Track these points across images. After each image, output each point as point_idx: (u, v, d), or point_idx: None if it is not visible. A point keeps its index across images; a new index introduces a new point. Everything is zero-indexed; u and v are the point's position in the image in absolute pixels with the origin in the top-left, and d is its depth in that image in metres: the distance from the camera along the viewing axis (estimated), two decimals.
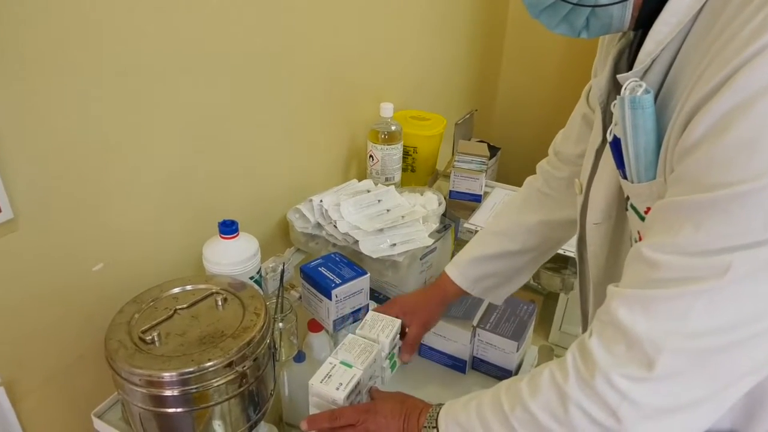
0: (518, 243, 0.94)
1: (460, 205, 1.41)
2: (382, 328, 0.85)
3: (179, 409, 0.72)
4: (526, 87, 2.56)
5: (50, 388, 0.83)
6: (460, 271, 0.96)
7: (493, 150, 2.29)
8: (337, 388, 0.74)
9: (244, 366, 0.73)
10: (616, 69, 0.65)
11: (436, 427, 0.67)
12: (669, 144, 0.53)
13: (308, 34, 1.15)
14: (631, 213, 0.62)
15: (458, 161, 1.40)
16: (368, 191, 1.16)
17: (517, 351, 0.99)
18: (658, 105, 0.55)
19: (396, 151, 1.35)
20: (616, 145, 0.59)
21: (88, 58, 0.75)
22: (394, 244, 1.03)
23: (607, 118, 0.69)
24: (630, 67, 0.60)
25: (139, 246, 0.91)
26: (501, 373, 1.02)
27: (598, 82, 0.68)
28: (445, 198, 1.28)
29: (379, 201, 1.13)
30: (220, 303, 0.80)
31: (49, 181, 0.75)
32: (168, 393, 0.71)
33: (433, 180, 1.53)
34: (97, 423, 0.83)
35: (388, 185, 1.25)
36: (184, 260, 0.98)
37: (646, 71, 0.56)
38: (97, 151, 0.80)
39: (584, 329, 0.88)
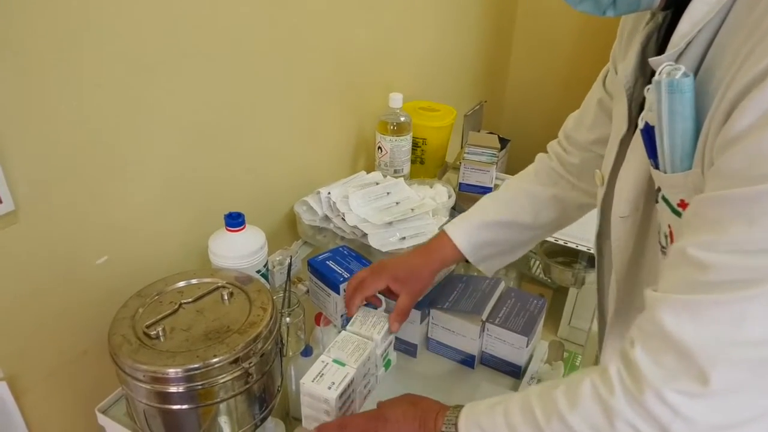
0: (531, 215, 0.90)
1: (470, 198, 1.39)
2: (373, 324, 0.83)
3: (184, 406, 0.71)
4: (536, 78, 2.53)
5: (54, 382, 0.82)
6: (466, 236, 0.90)
7: (503, 142, 2.26)
8: (329, 388, 0.72)
9: (251, 362, 0.72)
10: (644, 53, 0.62)
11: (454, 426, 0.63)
12: (709, 132, 0.50)
13: (316, 24, 1.13)
14: (662, 205, 0.58)
15: (468, 153, 1.37)
16: (377, 183, 1.14)
17: (527, 346, 0.97)
18: (696, 90, 0.52)
19: (405, 143, 1.32)
20: (648, 133, 0.56)
21: (90, 51, 0.73)
22: (404, 238, 1.01)
23: (632, 105, 0.66)
24: (660, 51, 0.57)
25: (143, 239, 0.89)
26: (510, 369, 1.00)
27: (624, 67, 0.65)
28: (454, 190, 1.25)
29: (388, 193, 1.11)
30: (226, 297, 0.78)
31: (51, 172, 0.73)
32: (173, 389, 0.69)
33: (442, 172, 1.51)
34: (101, 418, 0.82)
35: (396, 177, 1.23)
36: (190, 253, 0.97)
37: (680, 55, 0.53)
38: (101, 143, 0.78)
39: (600, 325, 0.86)
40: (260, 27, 1.00)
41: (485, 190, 1.39)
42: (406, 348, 1.04)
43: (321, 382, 0.73)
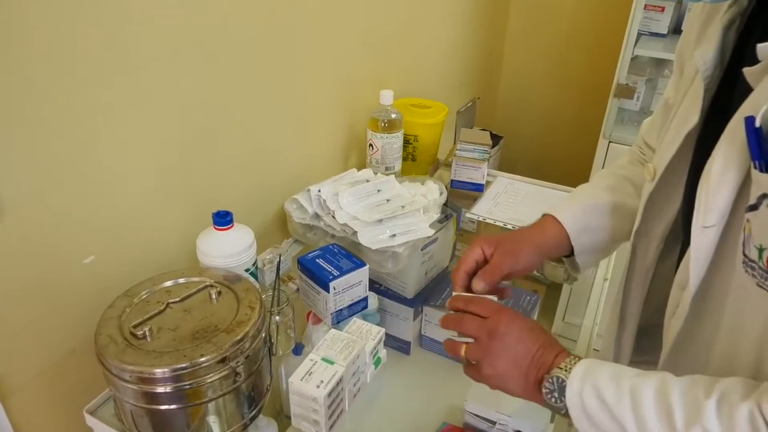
0: (635, 198, 0.81)
1: (462, 195, 1.39)
2: (340, 350, 0.79)
3: (172, 406, 0.70)
4: (529, 75, 2.53)
5: (41, 383, 0.81)
6: (571, 216, 0.81)
7: (496, 138, 2.26)
8: (318, 386, 0.72)
9: (238, 361, 0.71)
10: (724, 40, 0.59)
11: (562, 390, 0.59)
12: None
13: (307, 21, 1.12)
14: (764, 215, 0.51)
15: (460, 150, 1.37)
16: (367, 181, 1.14)
17: None
18: None
19: (396, 140, 1.32)
20: (756, 132, 0.50)
21: (77, 46, 0.72)
22: (394, 235, 1.00)
23: (706, 96, 0.62)
24: (744, 37, 0.53)
25: (131, 238, 0.88)
26: None
27: (703, 53, 0.60)
28: (446, 187, 1.25)
29: (378, 191, 1.11)
30: (214, 296, 0.78)
31: (36, 171, 0.73)
32: (160, 389, 0.69)
33: (434, 169, 1.50)
34: (90, 419, 0.81)
35: (388, 174, 1.23)
36: (179, 252, 0.96)
37: None
38: (88, 142, 0.78)
39: (620, 331, 0.83)
40: (251, 24, 0.99)
41: (477, 187, 1.38)
42: (399, 345, 1.04)
43: (309, 380, 0.73)
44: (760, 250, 0.52)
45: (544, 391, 0.61)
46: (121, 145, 0.83)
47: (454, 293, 0.73)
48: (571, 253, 0.84)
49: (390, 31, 1.47)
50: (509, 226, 1.27)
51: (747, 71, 0.54)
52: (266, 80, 1.06)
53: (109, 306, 0.76)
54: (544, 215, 0.84)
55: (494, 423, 0.83)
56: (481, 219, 1.30)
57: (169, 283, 0.81)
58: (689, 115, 0.64)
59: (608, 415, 0.55)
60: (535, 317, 1.05)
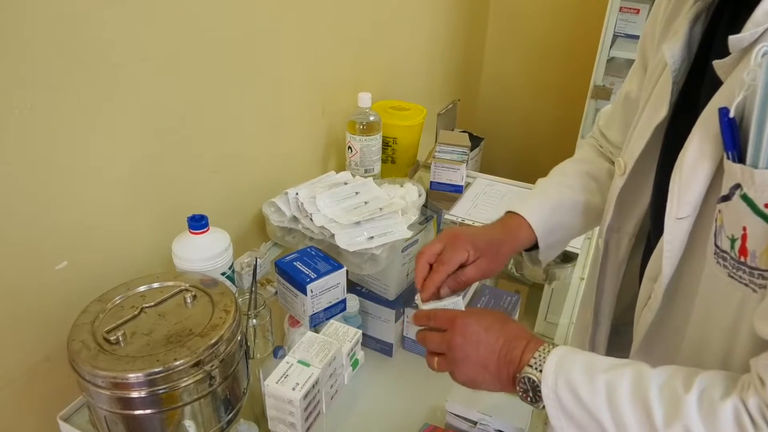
0: (598, 196, 0.82)
1: (442, 196, 1.39)
2: (316, 352, 0.78)
3: (146, 411, 0.70)
4: (510, 77, 2.55)
5: (14, 391, 0.80)
6: (542, 217, 0.80)
7: (477, 140, 2.27)
8: (294, 389, 0.72)
9: (213, 365, 0.71)
10: (691, 34, 0.59)
11: (536, 391, 0.58)
12: None
13: (282, 21, 1.12)
14: (737, 205, 0.51)
15: (439, 152, 1.38)
16: (345, 183, 1.14)
17: None
18: None
19: (375, 142, 1.32)
20: (730, 122, 0.50)
21: (45, 48, 0.71)
22: (372, 237, 1.00)
23: (675, 90, 0.62)
24: (710, 31, 0.53)
25: (105, 243, 0.88)
26: None
27: (670, 47, 0.61)
28: (426, 189, 1.25)
29: (356, 193, 1.11)
30: (189, 300, 0.77)
31: (6, 176, 0.72)
32: (133, 395, 0.68)
33: (413, 171, 1.51)
34: (64, 426, 0.80)
35: (367, 177, 1.23)
36: (154, 257, 0.95)
37: (762, 34, 0.49)
38: (59, 145, 0.77)
39: (594, 329, 0.83)
40: (225, 26, 0.98)
41: (456, 189, 1.39)
42: (381, 347, 1.04)
43: (285, 383, 0.73)
44: (732, 240, 0.52)
45: (518, 391, 0.60)
46: (93, 150, 0.82)
47: (418, 305, 0.73)
48: (531, 248, 0.83)
49: (368, 34, 1.48)
50: None
51: (716, 64, 0.54)
52: (241, 83, 1.06)
53: (82, 311, 0.75)
54: (510, 213, 0.83)
55: (475, 423, 0.83)
56: (460, 220, 1.30)
57: (143, 288, 0.80)
58: (658, 109, 0.64)
59: (585, 412, 0.54)
60: (516, 317, 1.05)
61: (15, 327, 0.78)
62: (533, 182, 1.45)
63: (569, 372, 0.56)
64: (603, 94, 1.97)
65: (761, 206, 0.49)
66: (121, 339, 0.71)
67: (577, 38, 2.30)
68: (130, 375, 0.67)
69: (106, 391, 0.68)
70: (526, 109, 2.53)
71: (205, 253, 0.87)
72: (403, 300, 1.03)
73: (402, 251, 1.03)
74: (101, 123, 0.82)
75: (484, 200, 1.38)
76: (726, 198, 0.52)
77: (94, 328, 0.73)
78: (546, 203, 0.82)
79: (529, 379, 0.58)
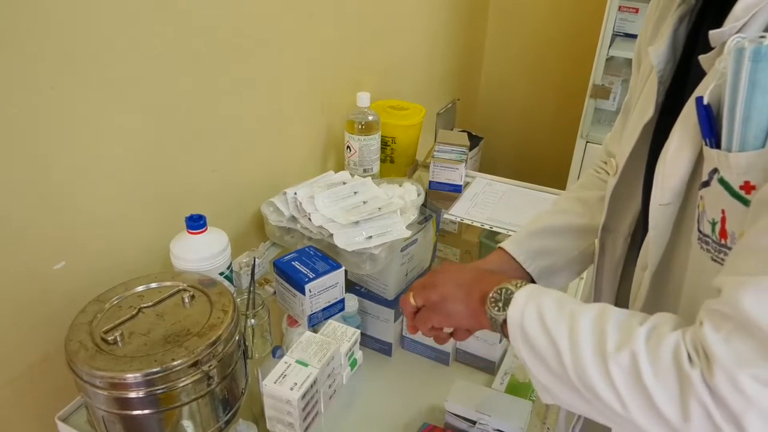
0: (586, 218, 0.84)
1: (441, 196, 1.39)
2: (314, 353, 0.78)
3: (144, 411, 0.70)
4: (509, 77, 2.54)
5: (13, 391, 0.80)
6: (517, 243, 0.84)
7: (476, 139, 2.27)
8: (292, 389, 0.72)
9: (211, 365, 0.71)
10: (675, 36, 0.61)
11: (507, 302, 0.61)
12: None
13: (282, 20, 1.12)
14: (715, 189, 0.54)
15: (438, 151, 1.37)
16: (344, 183, 1.13)
17: (500, 342, 0.98)
18: None
19: (374, 142, 1.32)
20: (707, 110, 0.52)
21: (41, 50, 0.71)
22: (370, 237, 1.00)
23: (660, 89, 0.64)
24: (694, 32, 0.55)
25: (103, 243, 0.87)
26: (484, 364, 1.01)
27: (655, 48, 0.63)
28: (425, 189, 1.25)
29: (355, 193, 1.11)
30: (186, 300, 0.77)
31: (4, 176, 0.72)
32: (131, 395, 0.68)
33: (412, 170, 1.51)
34: (62, 427, 0.80)
35: (366, 177, 1.23)
36: (152, 257, 0.95)
37: (740, 29, 0.51)
38: (57, 144, 0.77)
39: None
40: (225, 25, 0.98)
41: (455, 188, 1.39)
42: (380, 347, 1.04)
43: (283, 383, 0.73)
44: (713, 224, 0.55)
45: (489, 300, 0.63)
46: (91, 149, 0.82)
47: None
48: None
49: (367, 33, 1.47)
50: (486, 226, 1.27)
51: (702, 58, 0.56)
52: (241, 82, 1.06)
53: (80, 311, 0.75)
54: (498, 248, 0.86)
55: (474, 423, 0.83)
56: (459, 219, 1.30)
57: (141, 288, 0.80)
58: (645, 109, 0.66)
59: (545, 335, 0.56)
60: None
61: (13, 327, 0.78)
62: (532, 181, 1.46)
63: (541, 300, 0.59)
64: (602, 93, 1.97)
65: (737, 188, 0.51)
66: (119, 339, 0.71)
67: (576, 37, 2.30)
68: (128, 375, 0.67)
69: (104, 391, 0.68)
70: (526, 108, 2.53)
71: (203, 253, 0.87)
72: None
73: (401, 251, 1.03)
74: (99, 122, 0.82)
75: (483, 199, 1.38)
76: (706, 183, 0.55)
77: (92, 328, 0.73)
78: (524, 230, 0.86)
79: (506, 289, 0.62)
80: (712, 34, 0.54)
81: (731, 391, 0.44)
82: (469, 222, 1.29)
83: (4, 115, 0.70)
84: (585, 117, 2.02)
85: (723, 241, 0.54)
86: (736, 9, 0.51)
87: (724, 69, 0.50)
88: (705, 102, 0.53)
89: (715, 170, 0.53)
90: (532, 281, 0.84)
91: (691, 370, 0.47)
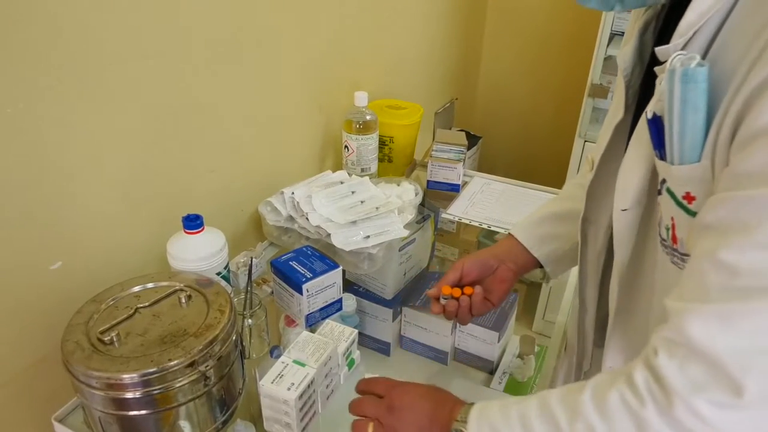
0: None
1: (439, 195, 1.39)
2: (312, 352, 0.79)
3: (141, 412, 0.70)
4: (507, 76, 2.54)
5: (10, 391, 0.80)
6: (525, 229, 0.88)
7: (474, 139, 2.27)
8: (289, 389, 0.72)
9: (208, 365, 0.71)
10: (641, 40, 0.63)
11: (464, 427, 0.62)
12: (722, 126, 0.49)
13: (279, 19, 1.12)
14: (665, 198, 0.57)
15: (435, 150, 1.37)
16: (342, 183, 1.13)
17: (499, 341, 0.98)
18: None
19: (371, 141, 1.32)
20: (656, 123, 0.55)
21: (38, 50, 0.71)
22: (368, 236, 1.00)
23: (630, 93, 0.66)
24: (659, 38, 0.57)
25: (99, 243, 0.87)
26: (483, 364, 1.01)
27: (623, 54, 0.64)
28: (423, 188, 1.25)
29: (352, 192, 1.10)
30: (183, 300, 0.77)
31: (0, 175, 0.72)
32: (128, 395, 0.68)
33: (410, 170, 1.50)
34: (58, 427, 0.80)
35: (364, 176, 1.23)
36: (149, 257, 0.95)
37: (685, 44, 0.53)
38: (53, 145, 0.76)
39: (581, 316, 0.85)
40: (223, 25, 0.98)
41: (453, 187, 1.39)
42: (379, 347, 1.04)
43: (281, 383, 0.72)
44: (668, 230, 0.58)
45: None
46: (88, 149, 0.81)
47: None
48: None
49: (365, 33, 1.47)
50: (485, 225, 1.27)
51: (657, 70, 0.57)
52: (238, 82, 1.06)
53: (76, 312, 0.75)
54: (508, 234, 0.91)
55: None
56: (457, 219, 1.30)
57: (138, 288, 0.80)
58: (617, 110, 0.68)
59: None
60: (513, 317, 1.05)
61: (9, 327, 0.78)
62: (531, 180, 1.46)
63: (488, 415, 0.61)
64: (600, 92, 1.96)
65: (680, 198, 0.55)
66: (115, 339, 0.70)
67: (575, 36, 2.29)
68: (125, 376, 0.66)
69: (101, 392, 0.68)
70: (524, 107, 2.53)
71: (200, 253, 0.87)
72: (401, 299, 1.03)
73: (399, 250, 1.03)
74: (96, 122, 0.81)
75: (482, 199, 1.38)
76: (659, 192, 0.58)
77: (88, 328, 0.73)
78: (533, 216, 0.89)
79: (458, 430, 0.62)
80: (659, 50, 0.56)
81: (689, 418, 0.46)
82: (468, 221, 1.29)
83: (1, 114, 0.69)
84: (583, 116, 2.02)
85: (675, 246, 0.58)
86: (681, 26, 0.53)
87: (663, 87, 0.53)
88: (649, 116, 0.55)
89: (664, 180, 0.57)
90: (540, 266, 0.89)
91: (642, 410, 0.49)
